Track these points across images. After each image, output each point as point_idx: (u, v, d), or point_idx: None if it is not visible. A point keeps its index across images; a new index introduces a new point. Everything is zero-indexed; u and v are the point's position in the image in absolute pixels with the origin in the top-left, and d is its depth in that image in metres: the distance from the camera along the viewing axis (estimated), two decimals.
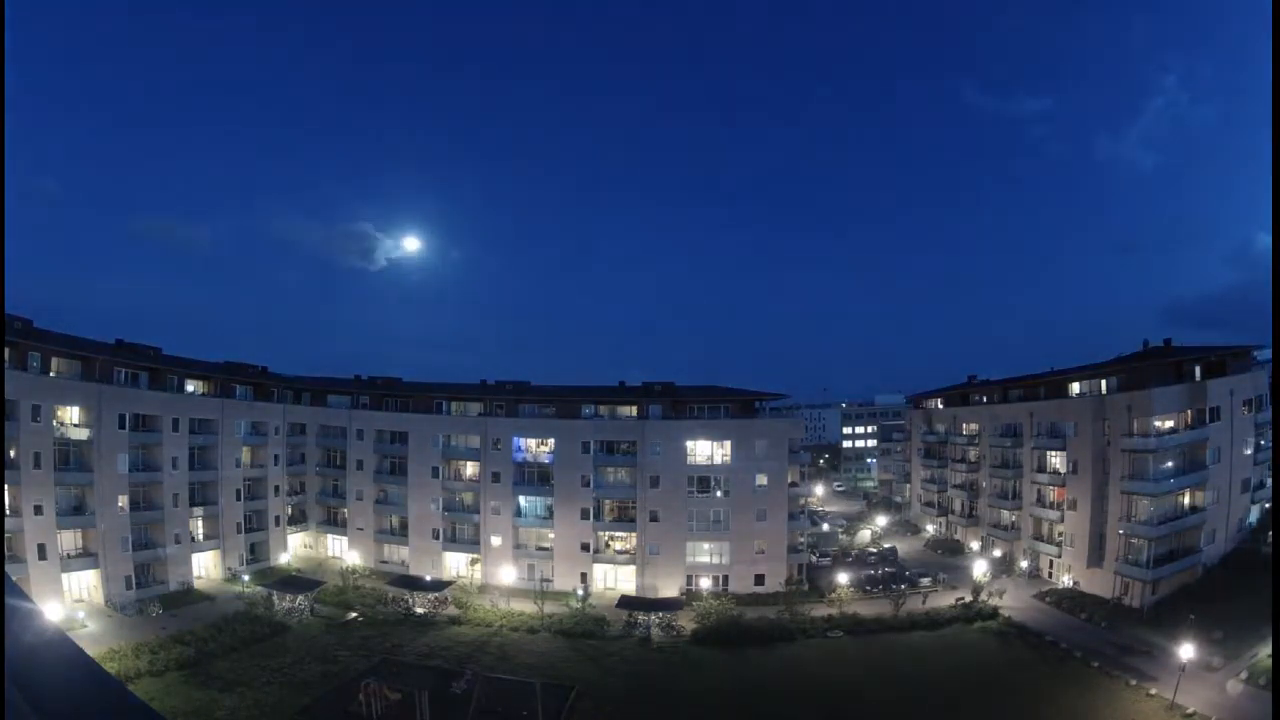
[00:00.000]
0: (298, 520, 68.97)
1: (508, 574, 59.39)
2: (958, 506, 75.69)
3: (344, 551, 66.51)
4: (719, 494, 59.30)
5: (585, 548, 59.84)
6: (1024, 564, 60.01)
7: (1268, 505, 52.27)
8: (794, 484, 61.19)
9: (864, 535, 77.83)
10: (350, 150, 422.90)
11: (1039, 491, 61.23)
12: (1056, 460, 59.28)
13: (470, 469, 63.99)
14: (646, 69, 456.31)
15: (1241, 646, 37.32)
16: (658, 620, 47.75)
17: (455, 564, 62.33)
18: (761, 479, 59.13)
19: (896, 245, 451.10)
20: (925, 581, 57.01)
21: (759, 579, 57.35)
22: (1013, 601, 51.26)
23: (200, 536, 57.70)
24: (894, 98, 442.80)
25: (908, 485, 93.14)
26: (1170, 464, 50.36)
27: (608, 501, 60.79)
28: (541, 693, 34.58)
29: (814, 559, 64.64)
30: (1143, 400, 51.41)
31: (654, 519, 58.92)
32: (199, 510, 57.41)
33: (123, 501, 51.15)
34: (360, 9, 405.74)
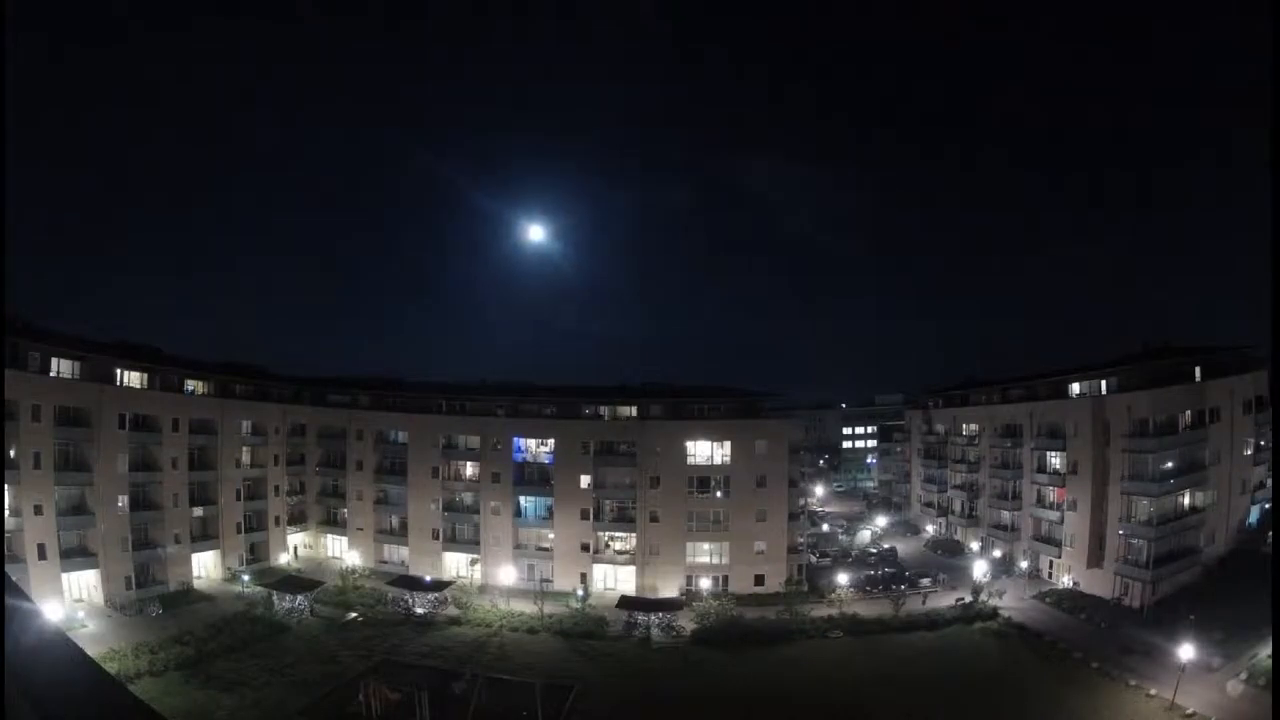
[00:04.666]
0: (298, 520, 68.91)
1: (508, 574, 59.36)
2: (957, 507, 75.67)
3: (344, 551, 66.48)
4: (719, 494, 59.28)
5: (585, 548, 59.84)
6: (1024, 564, 59.95)
7: (1268, 505, 52.25)
8: (794, 484, 61.15)
9: (864, 536, 77.76)
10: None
11: (1039, 492, 61.23)
12: (1056, 461, 59.26)
13: (470, 469, 63.95)
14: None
15: (1241, 647, 37.28)
16: (658, 620, 47.74)
17: (455, 564, 62.29)
18: (761, 479, 59.09)
19: (895, 245, 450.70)
20: (925, 582, 56.99)
21: (759, 579, 57.34)
22: (1012, 602, 51.25)
23: (200, 536, 57.68)
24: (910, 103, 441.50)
25: (907, 486, 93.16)
26: (1170, 464, 50.35)
27: (608, 502, 60.73)
28: (541, 693, 34.54)
29: (814, 559, 64.64)
30: (1142, 401, 51.44)
31: (654, 519, 58.91)
32: (199, 510, 57.39)
33: (122, 501, 51.15)
34: None
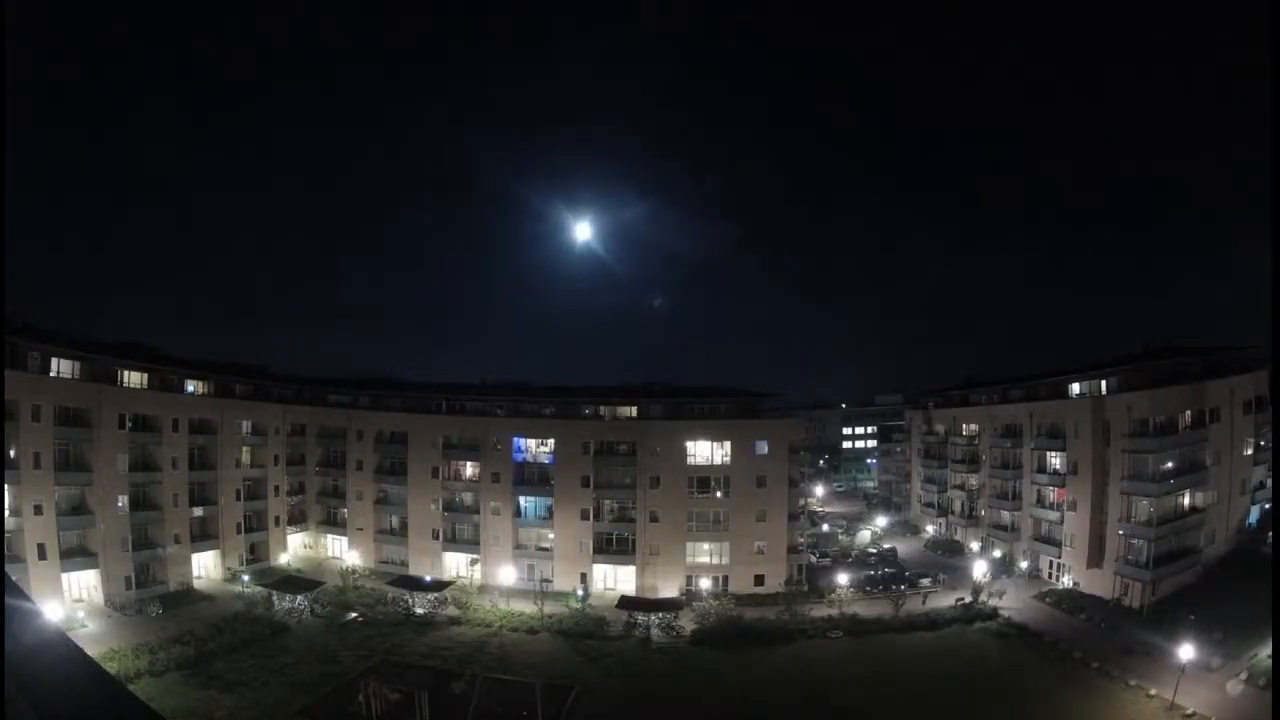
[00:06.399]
0: (297, 520, 68.94)
1: (507, 574, 59.37)
2: (957, 507, 75.69)
3: (344, 551, 66.48)
4: (719, 494, 59.29)
5: (585, 548, 59.87)
6: (1024, 564, 60.00)
7: (1268, 505, 52.27)
8: (794, 484, 61.16)
9: (864, 536, 77.77)
10: None
11: (1039, 492, 61.23)
12: (1056, 461, 59.27)
13: (470, 469, 63.94)
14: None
15: (1241, 647, 37.31)
16: (658, 620, 47.75)
17: (455, 564, 62.28)
18: (761, 479, 59.08)
19: (896, 246, 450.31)
20: (925, 582, 57.00)
21: (759, 579, 57.33)
22: (1012, 602, 51.23)
23: (200, 536, 57.65)
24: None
25: (907, 486, 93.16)
26: (1170, 464, 50.34)
27: (607, 501, 60.76)
28: (541, 693, 34.57)
29: (814, 559, 64.64)
30: (1142, 401, 51.44)
31: (654, 519, 58.91)
32: (199, 510, 57.37)
33: (123, 501, 51.14)
34: None
